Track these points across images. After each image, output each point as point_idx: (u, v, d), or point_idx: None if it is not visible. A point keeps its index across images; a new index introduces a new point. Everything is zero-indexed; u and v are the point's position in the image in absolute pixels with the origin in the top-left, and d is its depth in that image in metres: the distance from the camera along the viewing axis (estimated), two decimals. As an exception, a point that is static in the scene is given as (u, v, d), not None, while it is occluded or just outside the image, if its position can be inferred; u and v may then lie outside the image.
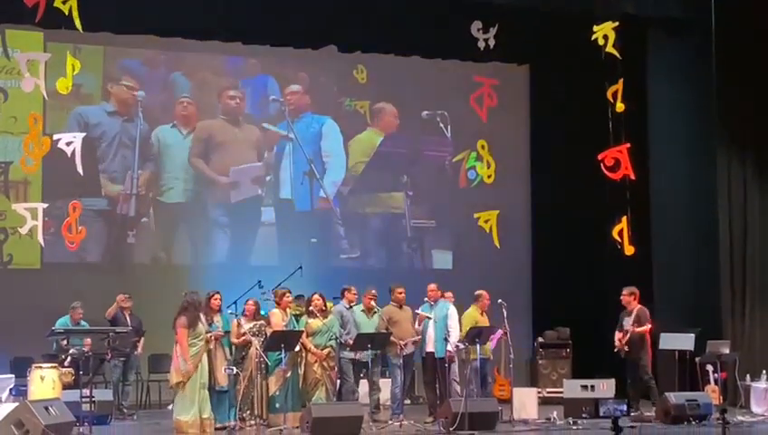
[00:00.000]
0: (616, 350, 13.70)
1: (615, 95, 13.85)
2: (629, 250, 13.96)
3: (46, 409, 10.52)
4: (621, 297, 13.78)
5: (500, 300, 13.54)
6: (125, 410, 13.83)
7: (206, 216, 16.65)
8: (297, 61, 16.96)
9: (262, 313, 13.02)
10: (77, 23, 12.11)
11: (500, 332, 13.38)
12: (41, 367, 11.84)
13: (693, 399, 12.91)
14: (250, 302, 12.92)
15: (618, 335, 13.69)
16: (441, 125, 17.82)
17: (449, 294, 13.65)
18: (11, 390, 12.25)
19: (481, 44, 15.15)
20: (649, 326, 13.64)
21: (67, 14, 12.09)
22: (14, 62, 13.95)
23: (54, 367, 11.96)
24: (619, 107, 13.82)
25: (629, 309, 13.73)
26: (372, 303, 13.19)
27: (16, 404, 10.88)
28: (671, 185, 16.03)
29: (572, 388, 13.74)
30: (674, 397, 12.88)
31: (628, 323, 13.66)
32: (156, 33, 15.38)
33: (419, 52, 16.60)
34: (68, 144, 12.26)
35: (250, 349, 12.43)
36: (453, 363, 13.02)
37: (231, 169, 16.73)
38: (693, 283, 15.66)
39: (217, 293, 12.62)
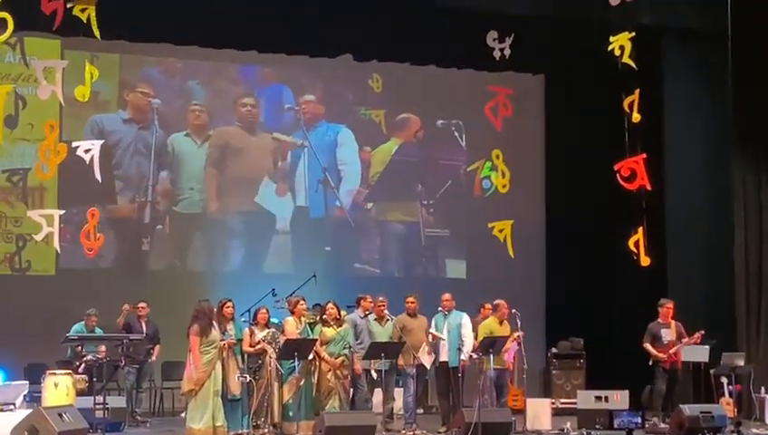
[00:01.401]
0: (653, 362, 13.51)
1: (631, 106, 13.81)
2: (645, 261, 13.90)
3: (60, 415, 10.52)
4: (663, 309, 13.61)
5: (513, 310, 13.54)
6: (138, 418, 13.84)
7: (221, 223, 16.68)
8: (312, 70, 16.99)
9: (273, 320, 13.02)
10: (95, 30, 12.15)
11: (515, 346, 13.33)
12: (55, 373, 11.86)
13: (707, 411, 12.84)
14: (262, 310, 12.91)
15: (658, 349, 13.50)
16: (456, 134, 17.84)
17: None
18: (25, 396, 12.26)
19: (496, 54, 15.14)
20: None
21: (85, 21, 12.12)
22: (32, 69, 13.99)
23: (68, 374, 11.97)
24: (636, 117, 13.77)
25: (665, 322, 13.61)
26: (384, 311, 13.18)
27: (30, 410, 10.89)
28: (687, 196, 16.00)
29: (586, 399, 13.70)
30: (688, 409, 12.81)
31: (667, 335, 13.53)
32: (172, 42, 15.45)
33: (435, 61, 16.63)
34: (86, 151, 12.27)
35: (265, 357, 12.43)
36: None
37: (247, 179, 16.76)
38: (708, 294, 15.61)
39: (229, 301, 12.61)
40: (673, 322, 13.66)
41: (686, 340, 13.56)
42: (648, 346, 13.58)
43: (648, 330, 13.66)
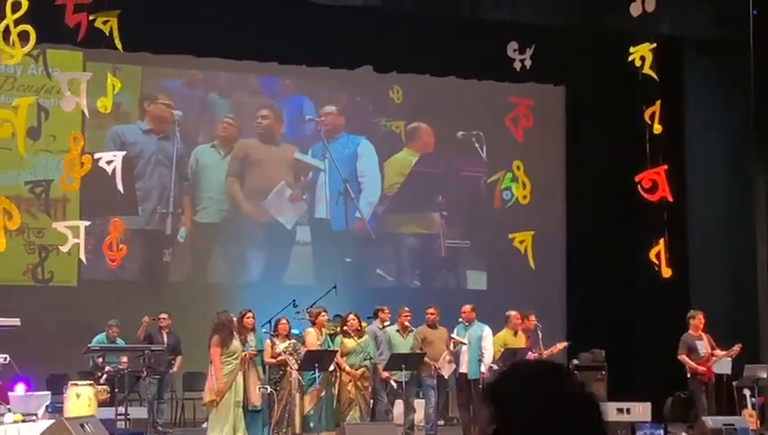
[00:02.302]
0: (691, 375, 13.41)
1: (652, 117, 13.78)
2: (667, 272, 13.85)
3: (82, 426, 10.54)
4: (695, 321, 13.47)
5: (536, 323, 13.54)
6: (159, 428, 13.86)
7: (242, 235, 16.70)
8: (333, 81, 17.02)
9: (295, 331, 13.03)
10: (117, 43, 12.21)
11: (534, 355, 13.30)
12: (77, 384, 11.89)
13: (730, 423, 12.77)
14: (283, 321, 12.92)
15: (696, 361, 13.39)
16: (476, 145, 17.83)
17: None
18: (47, 406, 12.29)
19: (517, 65, 15.12)
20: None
21: (107, 33, 12.18)
22: (55, 81, 14.06)
23: (90, 384, 12.01)
24: (657, 128, 13.74)
25: (697, 333, 13.51)
26: (407, 322, 13.18)
27: (52, 421, 10.92)
28: (709, 207, 15.94)
29: (608, 411, 13.61)
30: (711, 421, 12.74)
31: (702, 347, 13.43)
32: (193, 53, 15.49)
33: (455, 72, 16.63)
34: (108, 163, 12.32)
35: (286, 368, 12.43)
36: None
37: (267, 190, 16.79)
38: (730, 306, 15.53)
39: (249, 311, 12.65)
40: (704, 333, 13.53)
41: (724, 352, 13.39)
42: (685, 358, 13.36)
43: (683, 342, 13.46)
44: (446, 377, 13.25)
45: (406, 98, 17.54)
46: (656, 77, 13.74)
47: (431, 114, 17.63)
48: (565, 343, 14.20)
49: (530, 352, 13.28)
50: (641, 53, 13.72)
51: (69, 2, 11.81)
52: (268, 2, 14.05)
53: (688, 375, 13.41)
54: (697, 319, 13.51)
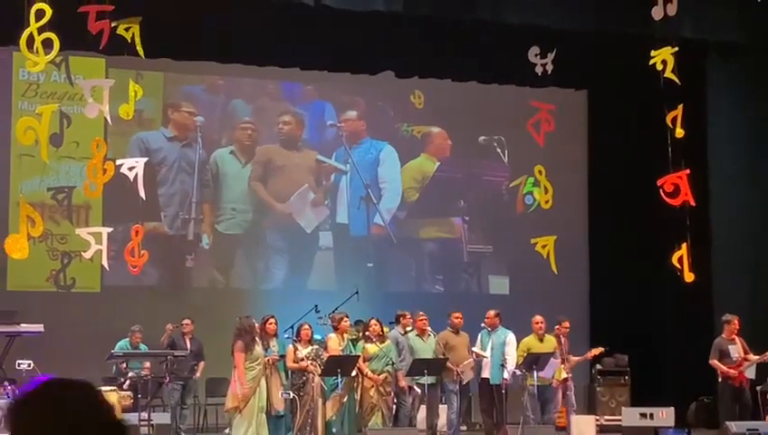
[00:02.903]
0: (722, 379, 13.33)
1: (674, 120, 13.74)
2: (689, 277, 13.79)
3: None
4: (729, 325, 13.36)
5: (557, 327, 13.52)
6: (182, 434, 13.89)
7: (264, 240, 16.74)
8: (354, 86, 17.05)
9: (317, 337, 13.05)
10: (139, 49, 12.27)
11: (558, 361, 13.28)
12: (100, 390, 11.90)
13: (754, 428, 12.71)
14: (305, 326, 12.94)
15: (728, 365, 13.30)
16: (498, 150, 17.82)
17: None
18: (71, 412, 12.32)
19: (538, 69, 15.09)
20: None
21: (129, 40, 12.24)
22: (77, 88, 14.13)
23: (113, 390, 12.07)
24: (679, 132, 13.69)
25: (731, 338, 13.41)
26: (425, 325, 13.18)
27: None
28: (731, 211, 15.87)
29: (631, 416, 13.62)
30: (735, 426, 12.69)
31: (735, 351, 13.33)
32: (215, 59, 15.53)
33: (476, 77, 16.60)
34: (130, 169, 12.37)
35: (310, 374, 12.45)
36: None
37: (289, 197, 16.82)
38: (754, 310, 15.44)
39: (272, 317, 12.69)
40: (737, 337, 13.44)
41: (757, 357, 13.29)
42: (716, 363, 13.26)
43: (715, 346, 13.35)
44: (465, 382, 13.21)
45: (427, 103, 17.54)
46: (678, 81, 13.70)
47: (452, 119, 17.62)
48: (601, 349, 14.13)
49: (553, 358, 13.25)
50: (663, 57, 13.68)
51: (91, 9, 11.87)
52: (289, 8, 14.06)
53: (719, 379, 13.31)
54: (732, 323, 13.37)
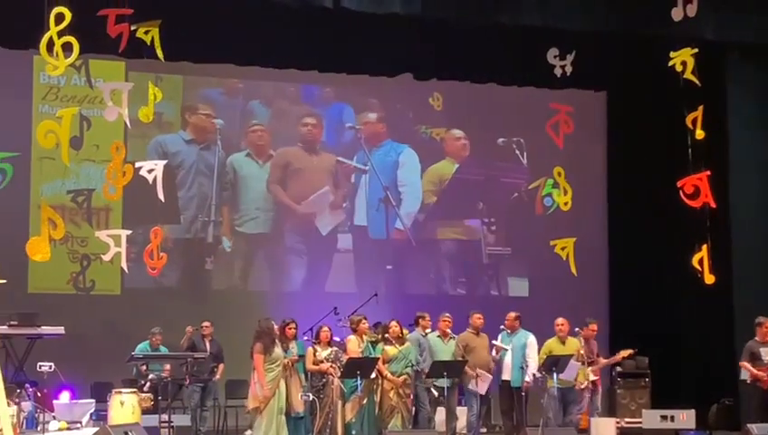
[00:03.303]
0: (751, 381, 13.23)
1: (694, 122, 13.69)
2: (710, 279, 13.74)
3: (126, 433, 10.62)
4: (762, 328, 13.18)
5: (577, 329, 13.49)
6: (202, 436, 13.95)
7: (283, 243, 16.76)
8: (373, 88, 17.05)
9: (335, 339, 13.07)
10: (159, 52, 12.30)
11: (579, 363, 13.26)
12: (120, 392, 11.97)
13: (776, 430, 12.64)
14: (325, 328, 12.96)
15: (758, 368, 13.19)
16: (517, 152, 17.80)
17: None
18: (91, 414, 12.40)
19: (558, 71, 15.07)
20: None
21: (149, 43, 12.28)
22: (97, 91, 14.18)
23: (134, 392, 12.08)
24: (699, 134, 13.64)
25: (764, 340, 13.29)
26: (448, 328, 13.17)
27: (96, 429, 11.01)
28: (752, 212, 15.79)
29: (652, 418, 13.58)
30: (756, 429, 12.60)
31: (766, 354, 13.24)
32: (234, 62, 15.56)
33: (495, 79, 16.58)
34: (149, 171, 12.39)
35: (329, 376, 12.46)
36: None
37: (308, 198, 16.84)
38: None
39: (293, 321, 12.71)
40: None
41: None
42: (746, 364, 13.10)
43: (747, 349, 13.20)
44: (481, 393, 13.16)
45: (446, 105, 17.54)
46: (697, 82, 13.65)
47: (471, 121, 17.62)
48: (630, 350, 14.08)
49: (573, 360, 13.21)
50: (682, 58, 13.64)
51: (110, 12, 11.92)
52: (307, 10, 14.08)
53: (747, 381, 13.23)
54: (765, 326, 13.28)
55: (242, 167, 16.63)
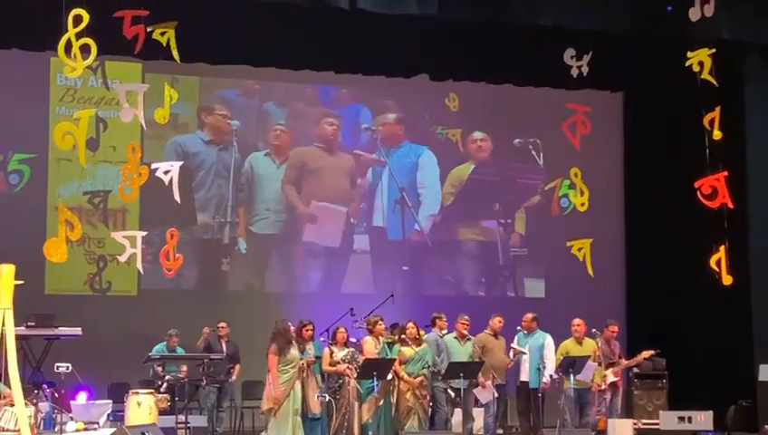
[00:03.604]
0: None
1: (712, 122, 13.64)
2: (727, 280, 13.68)
3: (143, 434, 10.64)
4: None
5: (594, 329, 13.46)
6: (219, 437, 13.97)
7: (299, 243, 16.76)
8: (388, 89, 17.04)
9: (351, 340, 13.07)
10: (175, 54, 12.33)
11: (596, 364, 13.23)
12: (137, 393, 11.99)
13: (795, 432, 12.61)
14: (341, 329, 12.96)
15: None
16: (533, 153, 17.77)
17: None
18: (108, 415, 12.41)
19: (574, 72, 15.04)
20: None
21: (165, 45, 12.31)
22: (114, 92, 14.22)
23: (151, 393, 12.10)
24: (716, 135, 13.59)
25: None
26: (466, 329, 13.16)
27: (113, 429, 11.03)
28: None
29: (669, 420, 13.52)
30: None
31: None
32: (250, 64, 15.58)
33: (511, 80, 16.57)
34: (165, 173, 12.42)
35: (346, 377, 12.46)
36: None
37: (324, 198, 16.85)
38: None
39: (310, 324, 12.71)
40: None
41: None
42: None
43: None
44: (482, 403, 13.13)
45: (462, 106, 17.52)
46: (715, 82, 13.60)
47: (488, 122, 17.60)
48: (651, 351, 14.04)
49: (590, 361, 13.18)
50: (700, 58, 13.60)
51: (126, 14, 11.96)
52: (323, 11, 14.09)
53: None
54: None
55: (259, 166, 16.65)
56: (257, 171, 16.63)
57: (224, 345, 14.17)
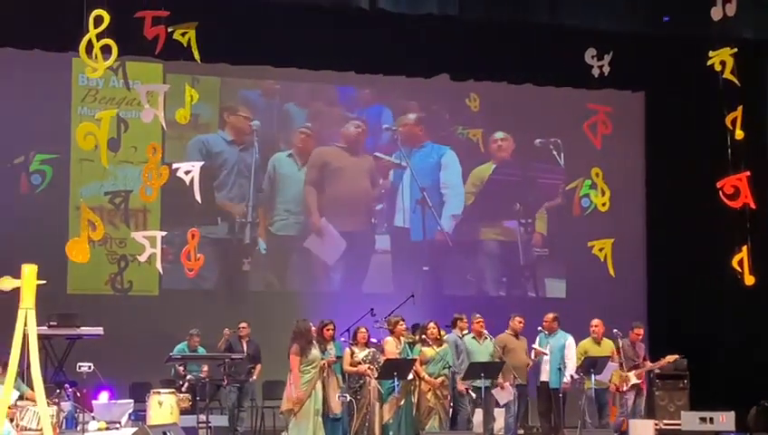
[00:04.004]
0: None
1: (734, 122, 13.57)
2: (750, 280, 13.61)
3: (164, 434, 10.66)
4: None
5: (615, 330, 13.42)
6: (240, 437, 13.99)
7: (321, 243, 16.75)
8: (409, 90, 17.04)
9: (372, 340, 13.07)
10: (195, 54, 12.36)
11: (615, 364, 13.20)
12: (159, 392, 12.01)
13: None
14: (362, 329, 12.96)
15: None
16: (554, 153, 17.73)
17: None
18: (130, 414, 12.46)
19: (595, 72, 15.00)
20: None
21: (186, 45, 12.35)
22: (135, 93, 14.26)
23: (172, 392, 12.12)
24: (739, 134, 13.52)
25: None
26: (482, 328, 13.14)
27: (135, 429, 11.06)
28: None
29: (690, 420, 13.46)
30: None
31: None
32: (270, 64, 15.60)
33: (532, 79, 16.54)
34: (186, 173, 12.45)
35: (367, 377, 12.46)
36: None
37: (345, 198, 16.85)
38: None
39: (330, 323, 12.70)
40: None
41: None
42: None
43: None
44: (500, 404, 13.10)
45: (483, 106, 17.50)
46: (737, 82, 13.54)
47: (508, 122, 17.57)
48: (676, 356, 14.00)
49: (611, 362, 13.15)
50: (722, 58, 13.54)
51: (147, 15, 11.99)
52: (344, 12, 14.09)
53: None
54: None
55: (282, 166, 16.67)
56: (280, 171, 16.65)
57: (244, 345, 14.19)
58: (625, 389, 13.33)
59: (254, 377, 14.36)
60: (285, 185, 16.67)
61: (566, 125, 17.22)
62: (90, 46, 11.06)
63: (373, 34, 14.96)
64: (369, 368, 12.39)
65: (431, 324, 12.76)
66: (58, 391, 11.87)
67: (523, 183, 17.66)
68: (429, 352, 12.58)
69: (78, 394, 12.05)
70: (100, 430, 11.57)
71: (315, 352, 12.12)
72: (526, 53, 15.65)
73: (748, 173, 13.78)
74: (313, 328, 12.41)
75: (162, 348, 13.54)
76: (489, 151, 17.63)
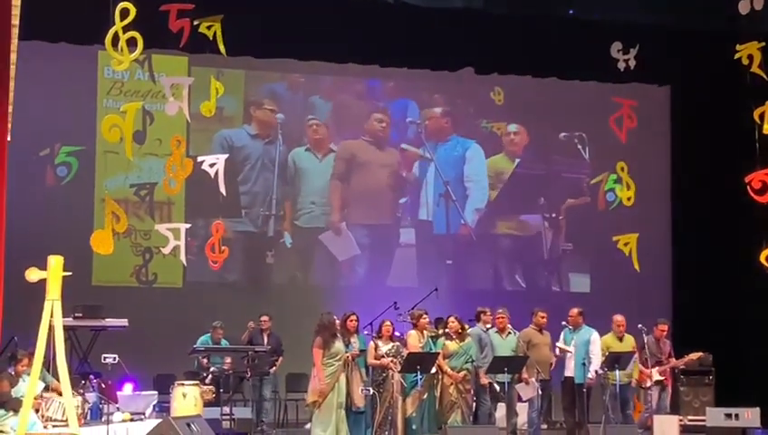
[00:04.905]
0: None
1: (762, 116, 13.48)
2: (776, 275, 13.54)
3: (188, 425, 10.66)
4: None
5: (640, 325, 13.36)
6: (264, 428, 13.99)
7: (345, 237, 16.76)
8: (434, 83, 17.01)
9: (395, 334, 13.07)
10: (221, 47, 12.38)
11: (634, 358, 13.16)
12: (183, 384, 12.04)
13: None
14: (387, 323, 12.94)
15: None
16: (579, 147, 17.66)
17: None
18: (154, 406, 12.49)
19: (621, 65, 14.97)
20: None
21: (211, 38, 12.37)
22: (160, 85, 14.29)
23: (196, 384, 12.15)
24: (766, 129, 13.44)
25: None
26: (504, 323, 13.11)
27: (159, 420, 11.08)
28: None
29: (716, 416, 13.39)
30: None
31: None
32: (295, 57, 15.61)
33: (557, 73, 16.48)
34: (211, 165, 12.49)
35: (390, 370, 12.45)
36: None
37: (371, 192, 16.86)
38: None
39: (353, 314, 12.69)
40: None
41: None
42: None
43: None
44: (523, 399, 13.07)
45: (507, 99, 17.45)
46: (765, 76, 13.44)
47: (533, 115, 17.51)
48: (700, 353, 13.92)
49: (633, 357, 13.11)
50: (749, 52, 13.44)
51: (172, 8, 12.02)
52: (368, 5, 14.09)
53: None
54: None
55: (302, 160, 16.69)
56: (300, 165, 16.66)
57: (266, 338, 14.21)
58: (648, 384, 13.28)
59: (274, 368, 14.38)
60: (308, 178, 16.68)
61: (591, 119, 17.16)
62: (116, 39, 11.06)
63: (398, 28, 14.94)
64: (392, 361, 12.39)
65: (451, 319, 12.75)
66: (83, 382, 11.92)
67: (547, 177, 17.61)
68: (452, 345, 12.57)
69: (102, 385, 12.09)
70: (124, 421, 11.60)
71: (339, 345, 12.13)
72: (551, 46, 15.60)
73: (776, 168, 13.69)
74: (337, 321, 12.42)
75: (186, 340, 13.60)
76: (512, 145, 17.56)
